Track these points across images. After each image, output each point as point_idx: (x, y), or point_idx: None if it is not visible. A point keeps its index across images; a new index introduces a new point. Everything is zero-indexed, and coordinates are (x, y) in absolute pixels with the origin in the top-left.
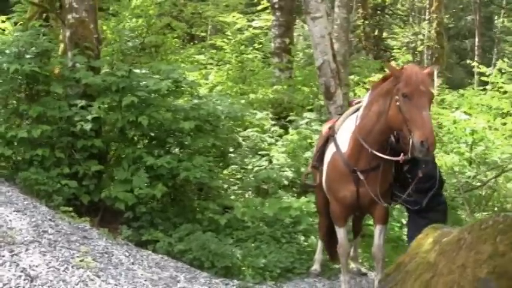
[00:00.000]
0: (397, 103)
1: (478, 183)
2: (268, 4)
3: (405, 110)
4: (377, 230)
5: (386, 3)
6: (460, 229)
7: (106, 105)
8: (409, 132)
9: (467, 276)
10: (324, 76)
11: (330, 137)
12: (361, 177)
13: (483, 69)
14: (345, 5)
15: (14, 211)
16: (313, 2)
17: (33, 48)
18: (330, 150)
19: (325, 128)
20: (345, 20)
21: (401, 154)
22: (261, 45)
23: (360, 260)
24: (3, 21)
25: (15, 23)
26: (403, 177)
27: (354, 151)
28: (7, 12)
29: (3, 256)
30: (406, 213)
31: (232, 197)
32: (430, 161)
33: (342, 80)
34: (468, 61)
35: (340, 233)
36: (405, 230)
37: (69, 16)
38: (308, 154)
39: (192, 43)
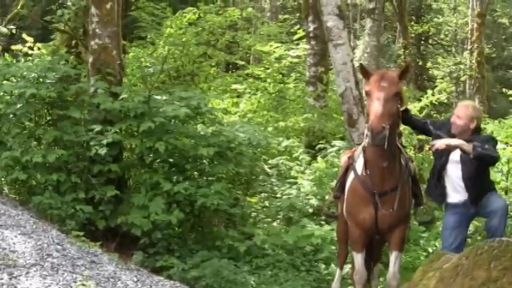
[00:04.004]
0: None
1: None
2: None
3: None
4: (392, 257)
5: (430, 34)
6: (459, 255)
7: (124, 131)
8: None
9: None
10: (346, 103)
11: (349, 166)
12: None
13: None
14: (375, 33)
15: (19, 234)
16: (336, 29)
17: (54, 74)
18: (350, 178)
19: (343, 159)
20: (375, 48)
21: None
22: (299, 75)
23: None
24: (39, 49)
25: (53, 51)
26: None
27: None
28: (49, 40)
29: (1, 279)
30: (432, 242)
31: (259, 225)
32: None
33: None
34: (507, 91)
35: (358, 258)
36: None
37: (92, 42)
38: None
39: (231, 71)
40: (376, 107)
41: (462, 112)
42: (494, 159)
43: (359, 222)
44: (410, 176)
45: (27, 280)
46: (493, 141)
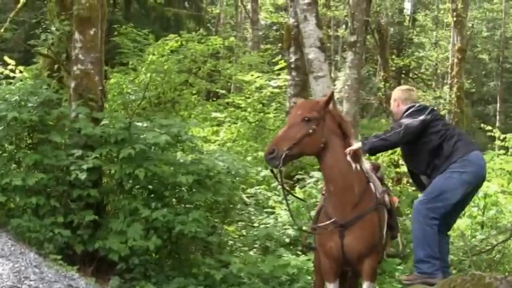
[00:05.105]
0: None
1: (488, 247)
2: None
3: None
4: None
5: (411, 67)
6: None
7: (104, 157)
8: None
9: None
10: None
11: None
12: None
13: (497, 133)
14: (356, 66)
15: None
16: (317, 62)
17: (36, 98)
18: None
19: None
20: (356, 81)
21: None
22: (279, 105)
23: None
24: (20, 71)
25: (36, 75)
26: None
27: None
28: (31, 63)
29: None
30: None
31: (236, 254)
32: None
33: None
34: (486, 126)
35: None
36: None
37: (75, 67)
38: (313, 213)
39: (212, 100)
40: (278, 133)
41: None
42: (392, 144)
43: (327, 252)
44: (385, 207)
45: None
46: (415, 112)
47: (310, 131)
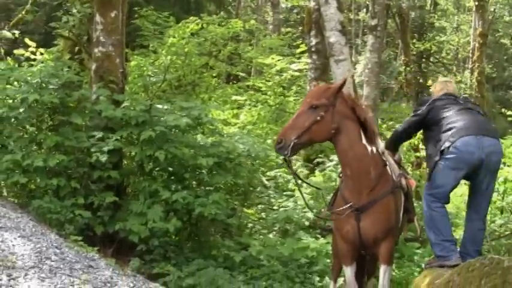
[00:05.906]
0: None
1: (507, 232)
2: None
3: None
4: (381, 270)
5: (431, 52)
6: (452, 271)
7: (124, 139)
8: None
9: None
10: None
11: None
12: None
13: None
14: (376, 50)
15: (19, 236)
16: (337, 45)
17: (57, 80)
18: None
19: None
20: (376, 65)
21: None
22: (299, 88)
23: None
24: (41, 54)
25: (57, 58)
26: None
27: None
28: (52, 45)
29: (0, 280)
30: (427, 258)
31: (256, 236)
32: None
33: None
34: (507, 111)
35: (347, 272)
36: None
37: (96, 50)
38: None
39: (232, 83)
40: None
41: None
42: (392, 143)
43: (343, 235)
44: (402, 191)
45: (25, 282)
46: (417, 107)
47: (318, 118)
